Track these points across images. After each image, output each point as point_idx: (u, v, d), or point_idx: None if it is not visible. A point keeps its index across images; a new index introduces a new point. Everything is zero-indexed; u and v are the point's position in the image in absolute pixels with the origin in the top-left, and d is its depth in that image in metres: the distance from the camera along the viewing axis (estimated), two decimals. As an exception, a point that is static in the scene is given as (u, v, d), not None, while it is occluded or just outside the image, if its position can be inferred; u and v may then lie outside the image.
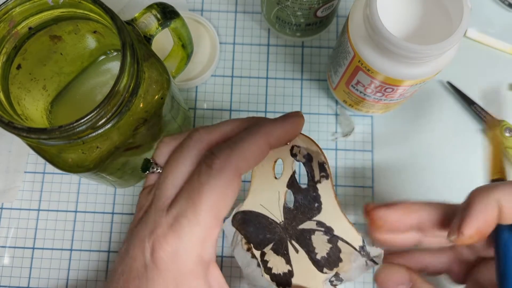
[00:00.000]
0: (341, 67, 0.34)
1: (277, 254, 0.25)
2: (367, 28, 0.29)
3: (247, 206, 0.26)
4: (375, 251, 0.24)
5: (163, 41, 0.39)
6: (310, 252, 0.25)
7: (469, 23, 0.27)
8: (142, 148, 0.31)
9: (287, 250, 0.25)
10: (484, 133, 0.40)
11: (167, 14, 0.31)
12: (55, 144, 0.26)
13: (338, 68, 0.35)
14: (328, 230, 0.25)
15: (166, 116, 0.31)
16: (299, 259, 0.25)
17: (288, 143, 0.26)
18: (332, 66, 0.37)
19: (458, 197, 0.41)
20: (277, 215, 0.26)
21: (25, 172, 0.40)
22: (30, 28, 0.28)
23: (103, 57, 0.35)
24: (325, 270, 0.25)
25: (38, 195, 0.39)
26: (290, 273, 0.25)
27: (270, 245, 0.26)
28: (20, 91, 0.30)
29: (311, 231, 0.25)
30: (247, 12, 0.44)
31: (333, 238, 0.25)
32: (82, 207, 0.39)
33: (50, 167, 0.40)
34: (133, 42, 0.26)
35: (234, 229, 0.26)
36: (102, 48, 0.34)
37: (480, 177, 0.40)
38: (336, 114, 0.41)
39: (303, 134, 0.25)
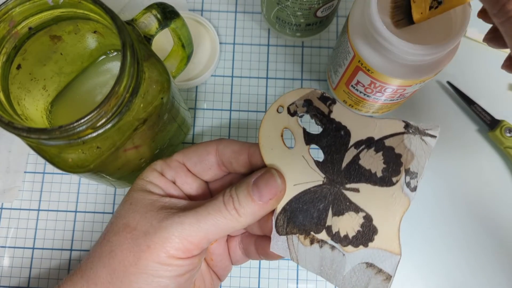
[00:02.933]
0: (341, 67, 0.34)
1: (343, 214, 0.23)
2: (367, 28, 0.29)
3: (282, 201, 0.25)
4: (426, 125, 0.22)
5: (163, 41, 0.39)
6: (369, 178, 0.23)
7: (469, 23, 0.27)
8: (142, 148, 0.31)
9: (348, 199, 0.23)
10: (484, 133, 0.40)
11: (167, 14, 0.31)
12: (55, 144, 0.26)
13: (338, 68, 0.35)
14: (369, 142, 0.23)
15: (166, 116, 0.31)
16: (365, 195, 0.23)
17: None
18: (332, 66, 0.37)
19: (458, 196, 0.41)
20: (316, 178, 0.24)
21: (25, 172, 0.40)
22: (30, 28, 0.28)
23: (103, 57, 0.35)
24: (394, 179, 0.22)
25: (38, 195, 0.39)
26: (368, 217, 0.23)
27: (330, 213, 0.23)
28: (20, 91, 0.30)
29: (356, 158, 0.23)
30: (247, 12, 0.44)
31: (378, 144, 0.23)
32: (82, 207, 0.39)
33: (50, 167, 0.40)
34: (133, 42, 0.26)
35: (284, 238, 0.24)
36: (102, 48, 0.34)
37: (480, 176, 0.40)
38: (336, 114, 0.41)
39: (288, 92, 0.25)
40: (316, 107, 0.24)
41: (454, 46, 0.29)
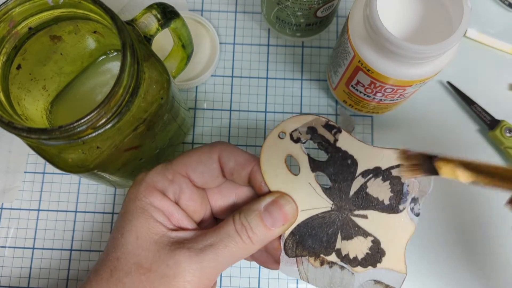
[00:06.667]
0: (341, 67, 0.34)
1: (352, 238, 0.24)
2: (367, 28, 0.29)
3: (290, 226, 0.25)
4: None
5: (163, 41, 0.39)
6: (377, 205, 0.24)
7: (469, 23, 0.27)
8: (142, 148, 0.31)
9: (356, 225, 0.24)
10: (484, 133, 0.40)
11: (167, 14, 0.31)
12: (55, 144, 0.26)
13: (338, 68, 0.35)
14: (376, 171, 0.24)
15: (166, 116, 0.31)
16: (373, 221, 0.24)
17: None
18: (332, 66, 0.37)
19: (457, 196, 0.41)
20: (324, 204, 0.25)
21: (25, 172, 0.40)
22: (30, 28, 0.28)
23: (103, 57, 0.35)
24: (400, 206, 0.23)
25: (38, 195, 0.39)
26: (376, 241, 0.24)
27: (339, 237, 0.24)
28: (20, 91, 0.30)
29: (363, 187, 0.24)
30: (247, 12, 0.44)
31: (385, 174, 0.23)
32: (82, 207, 0.39)
33: (50, 167, 0.40)
34: (133, 42, 0.26)
35: (293, 260, 0.25)
36: (102, 48, 0.34)
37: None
38: (336, 114, 0.41)
39: (289, 118, 0.25)
40: (321, 135, 0.24)
41: (454, 46, 0.29)
